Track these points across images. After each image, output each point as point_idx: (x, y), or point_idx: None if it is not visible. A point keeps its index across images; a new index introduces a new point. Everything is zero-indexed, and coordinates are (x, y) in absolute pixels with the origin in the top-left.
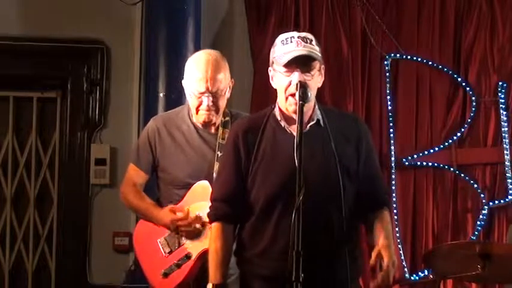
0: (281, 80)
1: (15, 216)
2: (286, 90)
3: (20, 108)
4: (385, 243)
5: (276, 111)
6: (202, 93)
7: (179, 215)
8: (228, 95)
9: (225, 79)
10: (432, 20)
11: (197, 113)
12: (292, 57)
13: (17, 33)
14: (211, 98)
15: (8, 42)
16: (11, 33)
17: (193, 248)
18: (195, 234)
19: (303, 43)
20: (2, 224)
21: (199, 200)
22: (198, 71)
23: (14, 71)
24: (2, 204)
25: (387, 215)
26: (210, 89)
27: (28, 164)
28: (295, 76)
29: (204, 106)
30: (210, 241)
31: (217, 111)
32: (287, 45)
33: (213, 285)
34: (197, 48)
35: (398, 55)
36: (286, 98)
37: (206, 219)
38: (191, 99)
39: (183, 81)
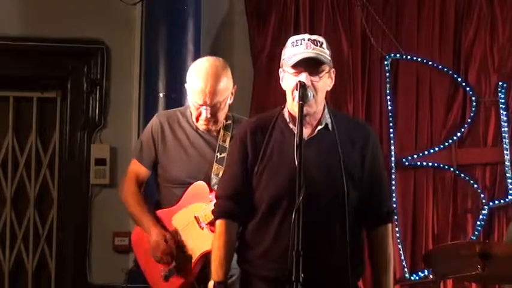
0: (289, 81)
1: (15, 216)
2: (293, 91)
3: (20, 108)
4: None
5: (285, 113)
6: (201, 105)
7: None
8: (230, 101)
9: (225, 89)
10: (432, 20)
11: (197, 122)
12: (300, 59)
13: (17, 33)
14: (209, 110)
15: (8, 42)
16: (11, 33)
17: (193, 250)
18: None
19: (312, 45)
20: (2, 224)
21: (197, 201)
22: (198, 82)
23: (14, 71)
24: (2, 204)
25: (391, 259)
26: (208, 102)
27: (28, 164)
28: (303, 77)
29: (202, 117)
30: (214, 238)
31: (215, 122)
32: (297, 47)
33: (214, 282)
34: (197, 48)
35: (398, 55)
36: (293, 99)
37: (205, 220)
38: (192, 108)
39: (186, 85)
